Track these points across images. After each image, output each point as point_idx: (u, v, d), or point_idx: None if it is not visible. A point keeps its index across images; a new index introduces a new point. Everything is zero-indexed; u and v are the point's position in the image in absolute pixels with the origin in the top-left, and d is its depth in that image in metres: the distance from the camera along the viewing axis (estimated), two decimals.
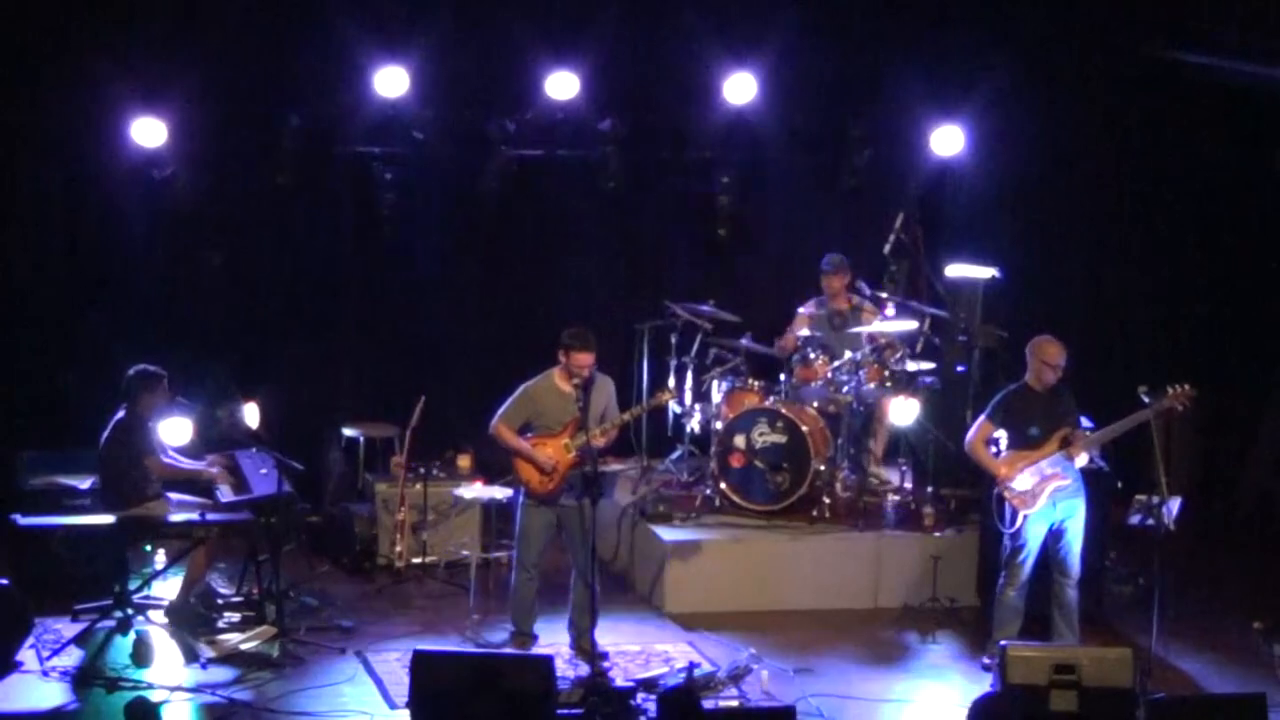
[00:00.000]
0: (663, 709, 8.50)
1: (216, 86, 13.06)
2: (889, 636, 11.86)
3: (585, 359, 10.83)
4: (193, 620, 11.28)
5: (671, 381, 12.97)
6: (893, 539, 12.58)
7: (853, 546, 12.51)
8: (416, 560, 12.67)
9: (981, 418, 11.19)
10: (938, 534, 12.60)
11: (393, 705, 10.19)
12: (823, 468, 12.76)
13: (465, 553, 12.24)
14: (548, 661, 9.10)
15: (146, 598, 11.47)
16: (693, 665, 10.70)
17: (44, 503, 11.96)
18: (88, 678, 10.52)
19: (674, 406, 13.41)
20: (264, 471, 11.56)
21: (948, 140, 14.20)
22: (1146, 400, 10.75)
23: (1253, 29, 13.37)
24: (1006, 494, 10.99)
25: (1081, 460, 10.95)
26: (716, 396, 13.14)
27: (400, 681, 10.17)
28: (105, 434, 11.45)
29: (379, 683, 10.58)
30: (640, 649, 11.33)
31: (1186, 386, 10.76)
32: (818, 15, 13.92)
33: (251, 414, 11.97)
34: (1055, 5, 14.23)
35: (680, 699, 8.55)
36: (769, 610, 12.15)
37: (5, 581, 10.44)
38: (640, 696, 10.12)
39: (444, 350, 14.23)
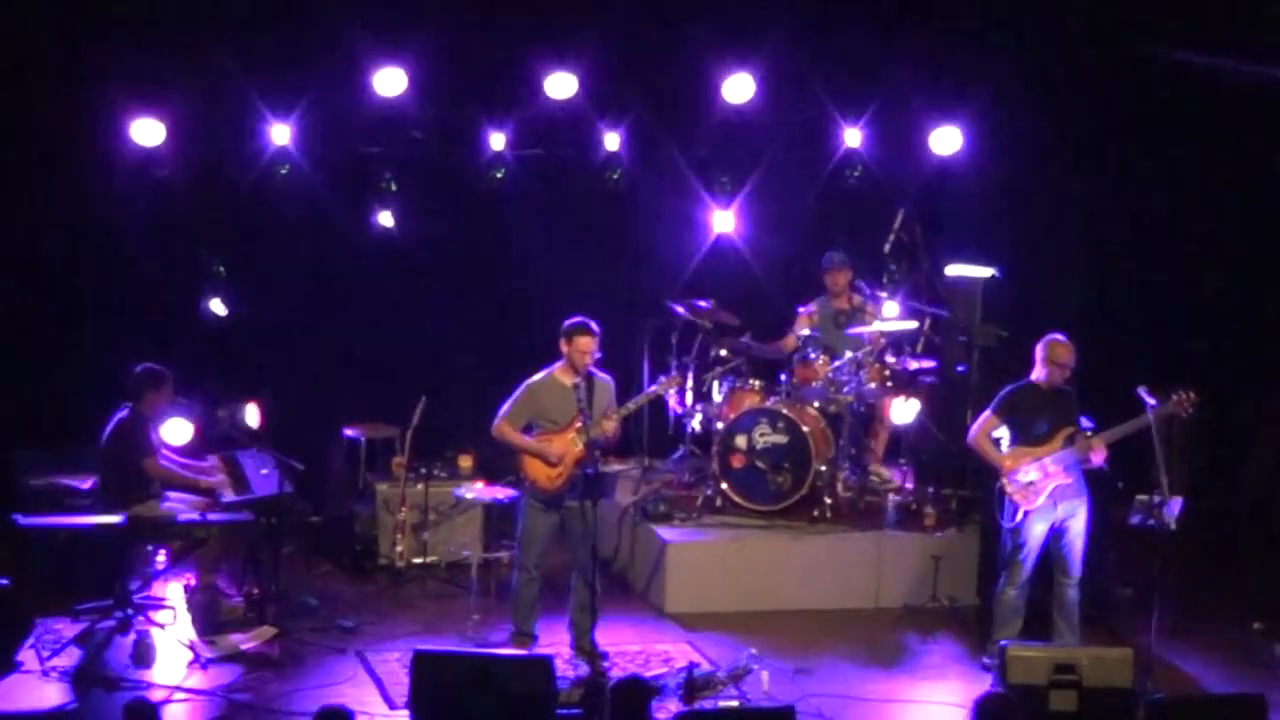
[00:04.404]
0: (615, 700, 8.50)
1: (216, 86, 13.05)
2: (889, 637, 11.86)
3: (587, 343, 10.82)
4: (208, 610, 11.30)
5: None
6: (893, 539, 12.58)
7: (853, 546, 12.52)
8: (417, 560, 12.68)
9: (986, 412, 11.18)
10: (938, 534, 12.61)
11: (392, 705, 10.19)
12: (824, 468, 12.75)
13: (466, 553, 12.23)
14: (548, 661, 9.11)
15: (147, 598, 11.49)
16: (693, 665, 10.70)
17: (44, 503, 11.95)
18: (88, 678, 10.52)
19: (674, 406, 13.42)
20: (264, 472, 11.57)
21: (947, 140, 14.20)
22: (1147, 400, 10.74)
23: (1253, 29, 13.36)
24: (1008, 487, 10.99)
25: (1100, 457, 10.93)
26: (717, 397, 13.14)
27: (400, 681, 10.18)
28: (107, 432, 11.46)
29: (379, 683, 10.58)
30: (640, 649, 11.34)
31: (1190, 394, 10.75)
32: (816, 15, 13.92)
33: (252, 414, 11.97)
34: (1055, 5, 14.23)
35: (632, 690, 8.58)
36: (769, 610, 12.16)
37: (5, 581, 10.44)
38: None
39: (444, 350, 14.22)
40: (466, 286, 14.44)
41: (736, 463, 12.79)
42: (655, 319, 13.58)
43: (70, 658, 10.78)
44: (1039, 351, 11.04)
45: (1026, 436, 11.01)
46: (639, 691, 8.61)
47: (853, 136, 14.19)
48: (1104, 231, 14.88)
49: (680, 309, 13.35)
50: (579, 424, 10.84)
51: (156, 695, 10.12)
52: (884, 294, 13.35)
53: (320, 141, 13.52)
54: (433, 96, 13.54)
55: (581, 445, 10.85)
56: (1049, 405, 11.01)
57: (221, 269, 13.53)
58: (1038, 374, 11.05)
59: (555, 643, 11.13)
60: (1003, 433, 11.15)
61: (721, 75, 13.82)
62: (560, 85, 13.56)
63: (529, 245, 14.44)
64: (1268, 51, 13.27)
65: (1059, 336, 11.05)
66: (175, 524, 11.31)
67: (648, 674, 10.66)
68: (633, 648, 11.33)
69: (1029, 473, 10.93)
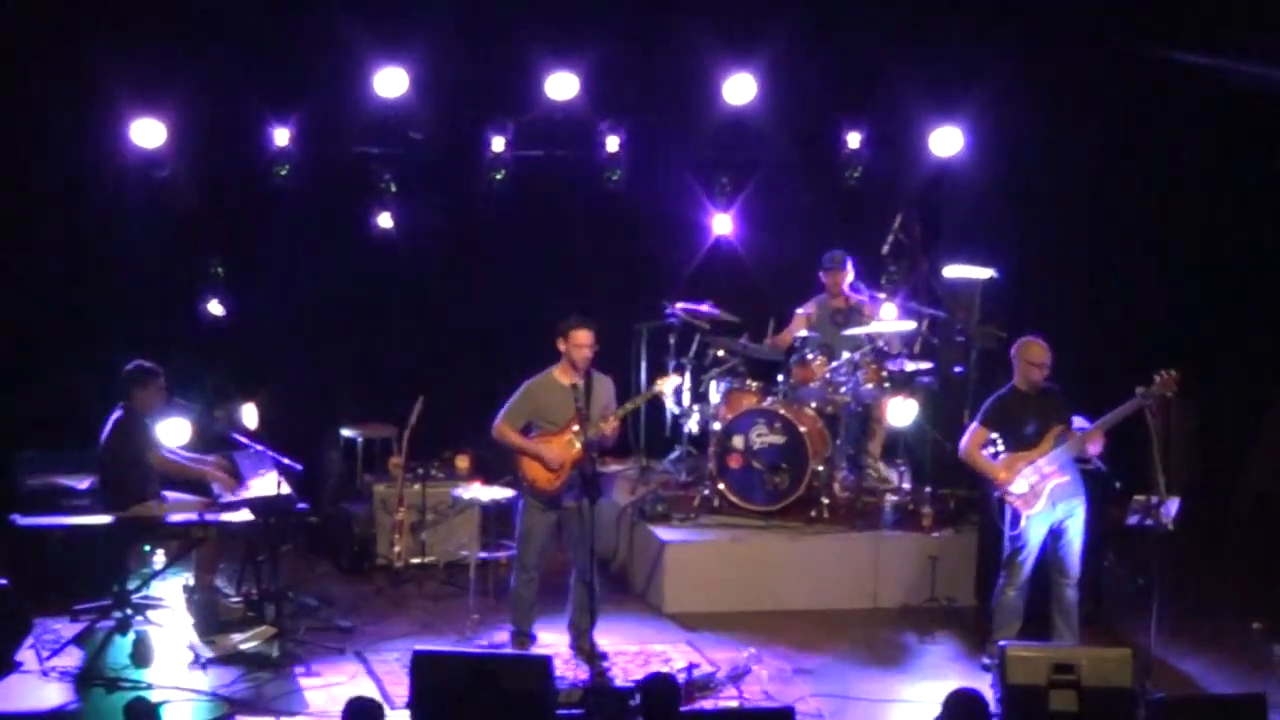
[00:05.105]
0: (645, 699, 8.51)
1: (216, 86, 13.06)
2: (888, 637, 11.87)
3: (585, 337, 10.81)
4: (207, 610, 11.30)
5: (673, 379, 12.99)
6: (891, 539, 12.58)
7: (851, 547, 12.52)
8: (415, 561, 12.67)
9: (974, 424, 11.20)
10: (936, 534, 12.61)
11: (392, 705, 10.17)
12: (821, 468, 12.76)
13: (464, 553, 12.24)
14: (547, 662, 9.11)
15: (146, 598, 11.49)
16: (692, 665, 10.71)
17: (43, 503, 11.95)
18: (87, 678, 10.54)
19: (672, 406, 13.42)
20: (262, 472, 11.57)
21: (947, 140, 14.20)
22: (1136, 389, 10.76)
23: (1253, 29, 13.35)
24: (1007, 497, 11.00)
25: (1096, 448, 10.94)
26: (715, 397, 13.14)
27: (400, 681, 10.18)
28: (105, 433, 11.46)
29: (378, 683, 10.59)
30: (639, 649, 11.34)
31: (1172, 372, 10.77)
32: (817, 16, 13.91)
33: (250, 414, 11.97)
34: (1054, 5, 14.22)
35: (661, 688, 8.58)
36: (768, 610, 12.16)
37: (5, 581, 10.44)
38: (639, 697, 10.10)
39: (443, 351, 14.22)
40: (466, 287, 14.43)
41: (734, 463, 12.79)
42: (654, 319, 13.57)
43: (70, 658, 10.79)
44: (1014, 356, 11.09)
45: (1017, 441, 11.02)
46: (668, 690, 8.62)
47: (853, 137, 14.19)
48: (1103, 232, 14.87)
49: (678, 309, 13.34)
50: (577, 425, 10.84)
51: (156, 695, 10.11)
52: (882, 295, 13.36)
53: (320, 142, 13.52)
54: (433, 97, 13.54)
55: (579, 446, 10.85)
56: (1034, 407, 11.02)
57: (220, 269, 13.53)
58: (1018, 378, 11.09)
59: (554, 643, 11.13)
60: (997, 439, 11.16)
61: (722, 75, 13.82)
62: (561, 86, 13.56)
63: (529, 245, 14.44)
64: (1269, 52, 13.26)
65: (1032, 338, 11.10)
66: (173, 524, 11.30)
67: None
68: (632, 648, 11.33)
69: (1025, 480, 10.94)
